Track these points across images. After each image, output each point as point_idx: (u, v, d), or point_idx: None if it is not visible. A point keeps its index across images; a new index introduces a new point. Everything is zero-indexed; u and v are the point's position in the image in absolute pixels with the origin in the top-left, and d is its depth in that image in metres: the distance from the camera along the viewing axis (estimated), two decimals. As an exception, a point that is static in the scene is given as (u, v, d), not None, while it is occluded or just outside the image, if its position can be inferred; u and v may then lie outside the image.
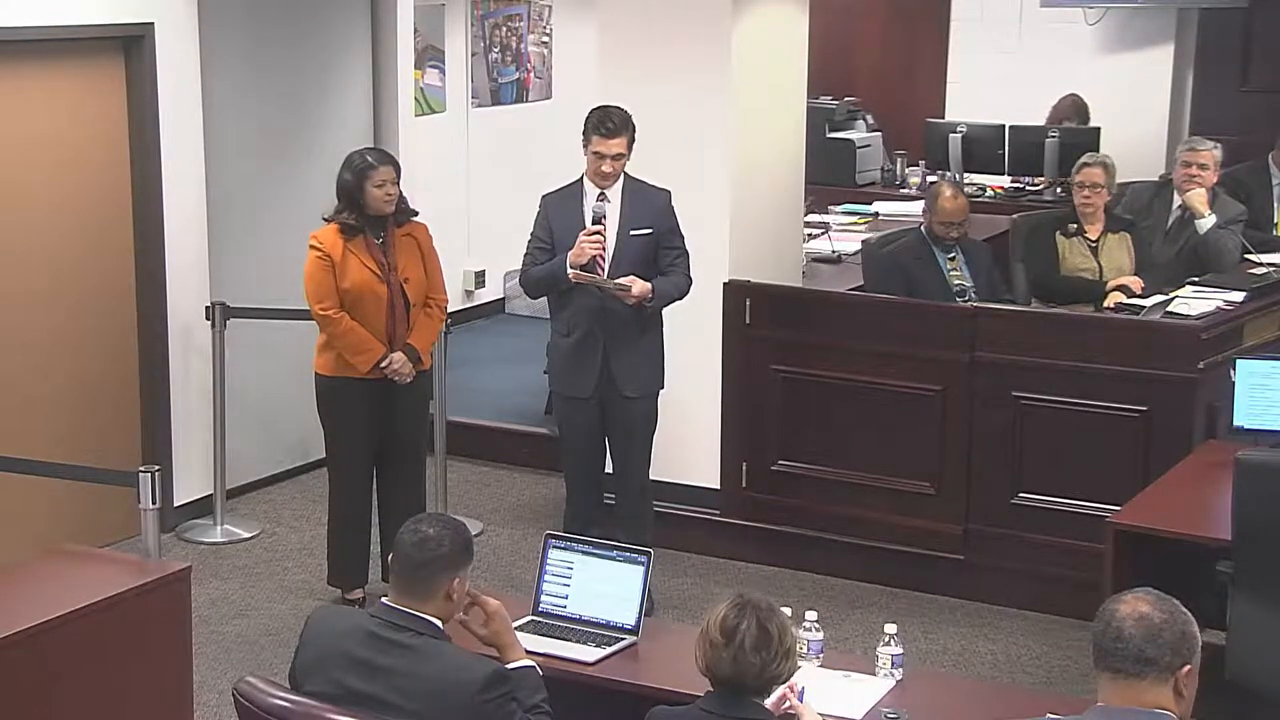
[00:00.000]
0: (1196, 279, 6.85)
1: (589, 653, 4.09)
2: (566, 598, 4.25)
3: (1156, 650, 2.92)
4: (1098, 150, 8.35)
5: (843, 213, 9.23)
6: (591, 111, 5.93)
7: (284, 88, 7.62)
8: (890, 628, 4.06)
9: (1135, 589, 3.03)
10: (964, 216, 6.85)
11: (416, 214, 6.22)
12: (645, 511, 6.20)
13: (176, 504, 7.08)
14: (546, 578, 4.29)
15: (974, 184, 9.71)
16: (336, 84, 7.92)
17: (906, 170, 10.24)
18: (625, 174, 5.97)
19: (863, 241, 7.84)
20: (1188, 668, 2.95)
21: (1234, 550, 4.75)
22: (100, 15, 6.67)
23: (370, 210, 6.01)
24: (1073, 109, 10.04)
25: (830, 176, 9.50)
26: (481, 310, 10.55)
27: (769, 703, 3.41)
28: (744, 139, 6.75)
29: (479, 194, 10.34)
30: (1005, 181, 9.95)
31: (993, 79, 10.64)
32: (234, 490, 7.35)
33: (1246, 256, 7.12)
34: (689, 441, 6.79)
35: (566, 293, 5.94)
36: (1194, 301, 6.47)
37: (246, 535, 7.08)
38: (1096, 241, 7.06)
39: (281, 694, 3.52)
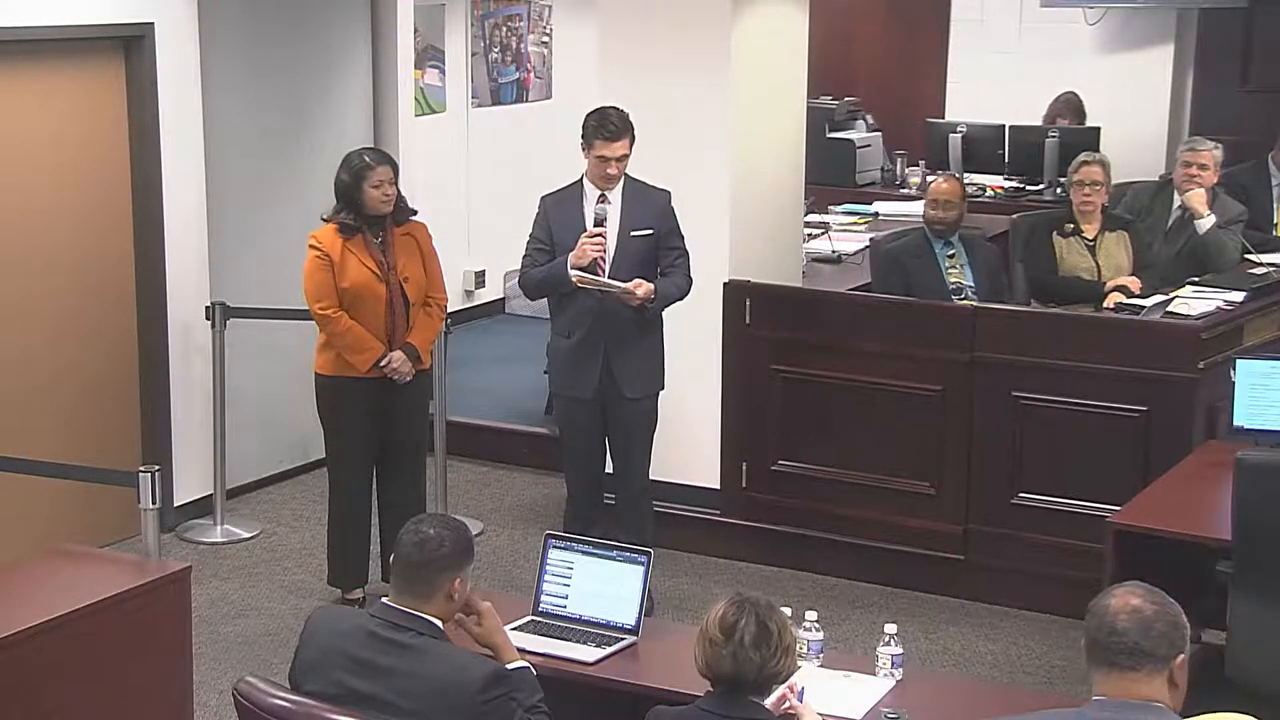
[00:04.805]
0: (1196, 279, 6.85)
1: (589, 653, 4.09)
2: (566, 598, 4.26)
3: (1151, 643, 2.94)
4: (1098, 150, 8.34)
5: (843, 213, 9.23)
6: (589, 115, 5.91)
7: (284, 87, 7.62)
8: (890, 628, 4.07)
9: (1123, 583, 3.05)
10: (954, 196, 6.85)
11: (415, 213, 6.22)
12: (645, 511, 6.20)
13: (176, 504, 7.08)
14: (546, 578, 4.29)
15: (974, 184, 9.68)
16: (336, 84, 7.92)
17: (906, 170, 10.24)
18: (625, 175, 5.96)
19: (870, 239, 7.86)
20: (1181, 657, 2.96)
21: (1234, 550, 4.76)
22: (100, 15, 6.67)
23: (368, 210, 6.01)
24: (1067, 107, 10.04)
25: (830, 176, 9.51)
26: (481, 310, 10.55)
27: (769, 703, 3.40)
28: (744, 139, 6.75)
29: (479, 194, 10.34)
30: (1005, 181, 9.95)
31: (993, 79, 10.64)
32: (234, 490, 7.35)
33: (1246, 256, 7.12)
34: (689, 441, 6.79)
35: (566, 294, 5.93)
36: (1194, 301, 6.47)
37: (246, 535, 7.08)
38: (1094, 241, 7.05)
39: (281, 694, 3.52)
